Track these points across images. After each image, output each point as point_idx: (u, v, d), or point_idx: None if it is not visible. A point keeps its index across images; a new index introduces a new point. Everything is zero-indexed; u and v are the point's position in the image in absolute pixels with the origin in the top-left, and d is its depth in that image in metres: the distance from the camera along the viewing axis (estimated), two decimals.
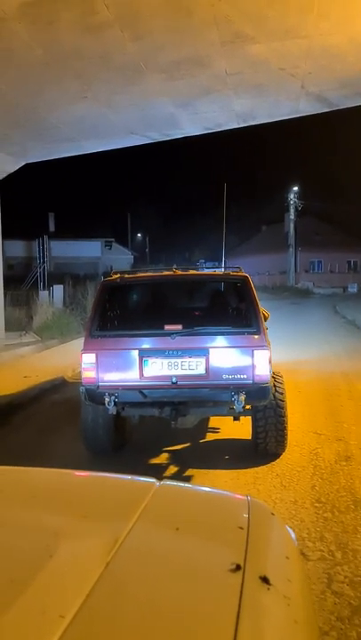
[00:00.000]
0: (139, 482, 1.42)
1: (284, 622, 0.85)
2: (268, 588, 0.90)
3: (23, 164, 10.85)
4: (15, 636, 0.74)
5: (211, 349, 4.27)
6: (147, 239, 60.08)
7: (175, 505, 1.29)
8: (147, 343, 4.35)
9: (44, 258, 24.52)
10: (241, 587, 0.88)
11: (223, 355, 4.29)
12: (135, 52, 5.93)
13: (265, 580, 0.92)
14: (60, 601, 0.81)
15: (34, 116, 7.98)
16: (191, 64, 6.29)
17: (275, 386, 4.57)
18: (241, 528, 1.12)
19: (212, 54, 6.04)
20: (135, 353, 4.31)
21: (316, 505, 3.76)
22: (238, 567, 0.94)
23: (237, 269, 4.91)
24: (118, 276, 4.85)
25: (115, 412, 4.40)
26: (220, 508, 1.34)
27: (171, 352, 4.28)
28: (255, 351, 4.23)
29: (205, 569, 0.99)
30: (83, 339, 4.57)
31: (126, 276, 4.94)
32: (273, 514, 1.30)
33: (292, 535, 1.26)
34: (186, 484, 1.82)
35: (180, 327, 4.33)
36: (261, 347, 4.25)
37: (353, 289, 40.70)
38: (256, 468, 4.47)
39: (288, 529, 1.28)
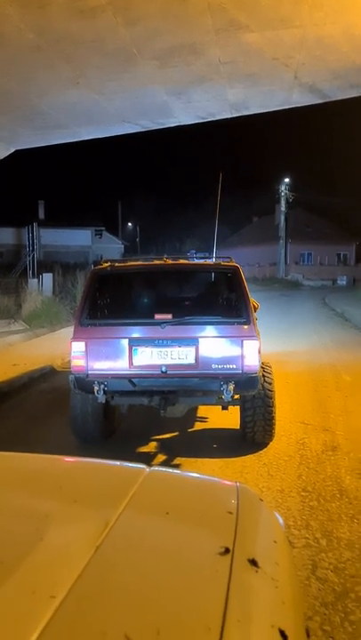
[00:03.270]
0: (129, 468, 1.43)
1: (272, 603, 0.87)
2: (257, 571, 0.92)
3: (13, 150, 10.71)
4: (6, 614, 0.74)
5: (200, 339, 4.29)
6: (138, 228, 59.79)
7: (165, 490, 1.30)
8: (137, 332, 4.35)
9: (33, 246, 24.28)
10: (230, 569, 0.90)
11: (213, 344, 4.30)
12: (128, 38, 5.85)
13: (253, 562, 0.94)
14: (51, 582, 0.82)
15: (24, 101, 7.86)
16: (185, 52, 6.23)
17: (263, 376, 4.60)
18: (230, 513, 1.14)
19: (205, 42, 5.99)
20: (125, 342, 4.31)
21: (303, 494, 3.81)
22: (227, 550, 0.95)
23: (228, 259, 4.92)
24: (108, 264, 4.83)
25: (104, 401, 4.41)
26: (209, 493, 1.35)
27: (160, 341, 4.28)
28: (245, 341, 4.25)
29: (195, 552, 1.00)
30: (72, 327, 4.56)
31: (116, 264, 4.93)
32: (261, 499, 1.32)
33: (280, 520, 1.28)
34: (175, 470, 1.83)
35: (170, 316, 4.34)
36: (251, 337, 4.27)
37: (342, 281, 40.97)
38: (244, 457, 4.51)
39: (276, 514, 1.30)
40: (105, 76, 6.94)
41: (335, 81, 7.26)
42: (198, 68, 6.71)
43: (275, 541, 1.10)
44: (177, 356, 4.31)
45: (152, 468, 1.36)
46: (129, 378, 4.33)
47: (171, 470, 1.75)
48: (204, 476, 1.85)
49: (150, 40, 5.93)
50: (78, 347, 4.34)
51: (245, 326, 4.31)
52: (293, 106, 8.50)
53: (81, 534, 0.99)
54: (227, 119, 9.20)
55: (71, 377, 4.41)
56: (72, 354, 4.37)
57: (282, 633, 0.77)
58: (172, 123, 9.24)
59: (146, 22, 5.54)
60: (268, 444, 4.78)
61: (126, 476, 1.35)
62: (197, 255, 7.45)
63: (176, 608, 0.79)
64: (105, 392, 4.31)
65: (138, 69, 6.71)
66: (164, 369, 4.29)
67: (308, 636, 0.94)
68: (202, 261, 5.83)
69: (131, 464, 1.43)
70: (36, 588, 0.80)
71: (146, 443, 4.94)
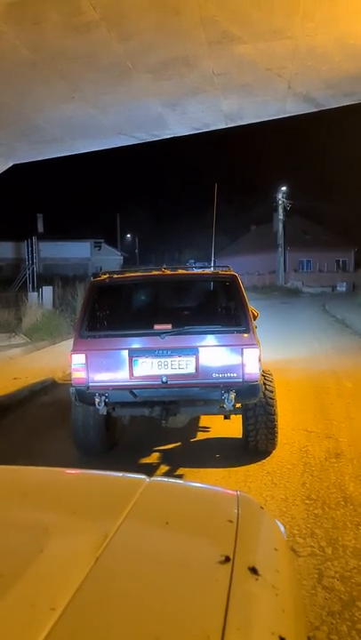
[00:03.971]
0: (129, 478, 1.43)
1: (272, 611, 0.87)
2: (257, 579, 0.92)
3: (11, 164, 10.79)
4: (6, 627, 0.74)
5: (200, 348, 4.29)
6: (136, 240, 60.05)
7: (165, 500, 1.30)
8: (136, 343, 4.35)
9: (32, 259, 24.40)
10: (230, 577, 0.90)
11: (213, 353, 4.30)
12: (122, 53, 5.92)
13: (254, 570, 0.93)
14: (51, 594, 0.82)
15: (21, 116, 7.93)
16: (179, 64, 6.29)
17: (265, 384, 4.59)
18: (230, 521, 1.14)
19: (199, 55, 6.06)
20: (125, 353, 4.31)
21: (307, 502, 3.79)
22: (228, 559, 0.95)
23: (226, 268, 4.94)
24: (107, 276, 4.85)
25: (105, 413, 4.40)
26: (209, 502, 1.35)
27: (160, 351, 4.29)
28: (245, 349, 4.25)
29: (195, 561, 1.00)
30: (72, 339, 4.56)
31: (115, 276, 4.94)
32: (262, 507, 1.31)
33: (281, 528, 1.27)
34: (176, 480, 1.83)
35: (169, 327, 4.34)
36: (251, 345, 4.27)
37: (342, 288, 40.98)
38: (247, 466, 4.49)
39: (277, 522, 1.29)
40: (100, 89, 7.01)
41: (329, 90, 7.33)
42: (192, 79, 6.78)
43: (275, 549, 1.10)
44: (177, 366, 4.31)
45: (152, 479, 1.36)
46: (130, 389, 4.32)
47: (171, 480, 1.75)
48: (205, 486, 1.84)
49: (144, 54, 6.00)
50: (78, 359, 4.34)
51: (245, 334, 4.31)
52: (288, 115, 8.57)
53: (81, 545, 0.99)
54: (223, 129, 9.28)
55: (72, 389, 4.41)
56: (72, 366, 4.37)
57: None
58: (167, 134, 9.31)
59: (139, 37, 5.61)
60: (270, 452, 4.76)
61: (126, 487, 1.35)
62: (197, 265, 7.48)
63: (176, 617, 0.79)
64: (106, 404, 4.30)
65: (132, 83, 6.77)
66: (164, 379, 4.29)
67: None
68: (200, 271, 5.84)
69: (131, 475, 1.43)
70: (36, 600, 0.80)
71: (148, 454, 4.93)
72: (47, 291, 17.49)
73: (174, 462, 4.68)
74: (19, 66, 6.13)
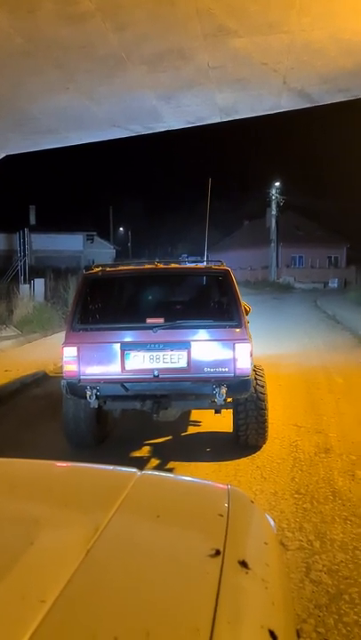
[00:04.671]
0: (120, 472, 1.43)
1: (262, 604, 0.87)
2: (247, 572, 0.92)
3: (4, 155, 10.69)
4: None
5: (192, 342, 4.29)
6: (129, 233, 59.82)
7: (156, 493, 1.30)
8: (128, 336, 4.34)
9: (24, 251, 24.23)
10: (220, 571, 0.90)
11: (205, 348, 4.31)
12: (117, 43, 5.87)
13: (244, 564, 0.94)
14: (41, 586, 0.82)
15: (14, 106, 7.85)
16: (174, 56, 6.25)
17: (256, 379, 4.61)
18: (221, 515, 1.14)
19: (194, 47, 6.02)
20: (117, 346, 4.31)
21: (296, 496, 3.82)
22: (218, 552, 0.96)
23: (219, 263, 4.93)
24: (100, 269, 4.83)
25: (96, 406, 4.39)
26: (200, 496, 1.35)
27: (152, 345, 4.28)
28: (236, 344, 4.26)
29: (185, 554, 1.00)
30: (64, 332, 4.55)
31: (108, 269, 4.93)
32: (252, 502, 1.32)
33: (271, 522, 1.28)
34: (167, 474, 1.83)
35: (161, 320, 4.34)
36: (243, 340, 4.28)
37: (333, 284, 41.13)
38: (237, 460, 4.52)
39: (267, 516, 1.30)
40: (95, 80, 6.95)
41: (324, 85, 7.32)
42: (187, 72, 6.74)
43: (265, 543, 1.11)
44: (169, 360, 4.31)
45: (143, 472, 1.36)
46: (121, 382, 4.32)
47: (162, 474, 1.75)
48: (196, 479, 1.85)
49: (139, 45, 5.95)
50: (70, 352, 4.33)
51: (237, 329, 4.32)
52: (283, 110, 8.55)
53: (71, 538, 0.99)
54: (217, 123, 9.24)
55: (63, 382, 4.40)
56: (64, 359, 4.36)
57: (272, 633, 0.77)
58: (161, 127, 9.26)
59: (135, 27, 5.56)
60: (261, 446, 4.79)
61: (117, 480, 1.35)
62: (189, 259, 7.47)
63: (166, 610, 0.79)
64: (97, 397, 4.30)
65: (127, 74, 6.72)
66: (156, 373, 4.29)
67: (298, 636, 0.95)
68: (193, 265, 5.84)
69: (122, 468, 1.43)
70: (26, 592, 0.80)
71: (139, 447, 4.93)
72: (39, 283, 17.39)
73: (165, 456, 4.69)
74: (13, 55, 6.06)
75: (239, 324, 4.34)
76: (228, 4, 5.13)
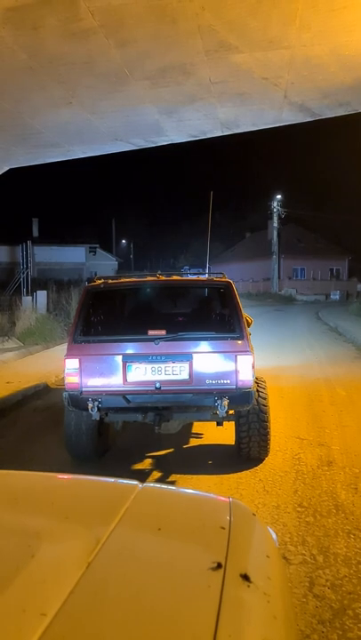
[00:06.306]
0: (121, 484, 1.43)
1: (264, 618, 0.87)
2: (249, 586, 0.92)
3: (7, 168, 10.80)
4: None
5: (194, 354, 4.29)
6: (131, 245, 60.14)
7: (157, 506, 1.30)
8: (130, 348, 4.35)
9: (27, 263, 24.36)
10: (222, 584, 0.89)
11: (207, 360, 4.30)
12: (120, 59, 5.96)
13: (245, 577, 0.93)
14: (42, 599, 0.81)
15: (18, 121, 7.95)
16: (176, 72, 6.34)
17: (258, 391, 4.59)
18: (222, 528, 1.13)
19: (196, 63, 6.10)
20: (119, 358, 4.31)
21: (299, 509, 3.78)
22: (219, 565, 0.95)
23: (221, 275, 4.95)
24: (102, 281, 4.85)
25: (98, 418, 4.38)
26: (202, 508, 1.35)
27: (154, 357, 4.28)
28: (238, 356, 4.26)
29: (187, 567, 1.00)
30: (66, 344, 4.55)
31: (110, 281, 4.94)
32: (254, 514, 1.31)
33: (273, 535, 1.27)
34: (169, 486, 1.82)
35: (163, 332, 4.34)
36: (245, 352, 4.28)
37: (335, 296, 41.15)
38: (239, 473, 4.49)
39: (269, 529, 1.29)
40: (97, 95, 7.04)
41: (324, 100, 7.40)
42: (189, 87, 6.82)
43: (267, 556, 1.10)
44: (171, 372, 4.30)
45: (145, 485, 1.36)
46: (123, 394, 4.31)
47: (164, 486, 1.74)
48: (197, 492, 1.84)
49: (141, 61, 6.04)
50: (72, 364, 4.33)
51: (239, 341, 4.32)
52: (284, 124, 8.64)
53: (72, 551, 0.99)
54: (220, 137, 9.33)
55: (65, 394, 4.39)
56: (66, 371, 4.36)
57: None
58: (164, 141, 9.36)
59: (137, 44, 5.64)
60: (263, 459, 4.76)
61: (119, 493, 1.34)
62: (191, 271, 7.50)
63: (167, 624, 0.79)
64: (99, 409, 4.28)
65: (129, 89, 6.81)
66: (158, 385, 4.28)
67: None
68: (195, 277, 5.86)
69: (123, 480, 1.43)
70: (27, 606, 0.80)
71: (141, 460, 4.91)
72: (41, 295, 17.44)
73: (167, 468, 4.66)
74: (16, 70, 6.15)
75: (241, 335, 4.34)
76: (229, 20, 5.21)
